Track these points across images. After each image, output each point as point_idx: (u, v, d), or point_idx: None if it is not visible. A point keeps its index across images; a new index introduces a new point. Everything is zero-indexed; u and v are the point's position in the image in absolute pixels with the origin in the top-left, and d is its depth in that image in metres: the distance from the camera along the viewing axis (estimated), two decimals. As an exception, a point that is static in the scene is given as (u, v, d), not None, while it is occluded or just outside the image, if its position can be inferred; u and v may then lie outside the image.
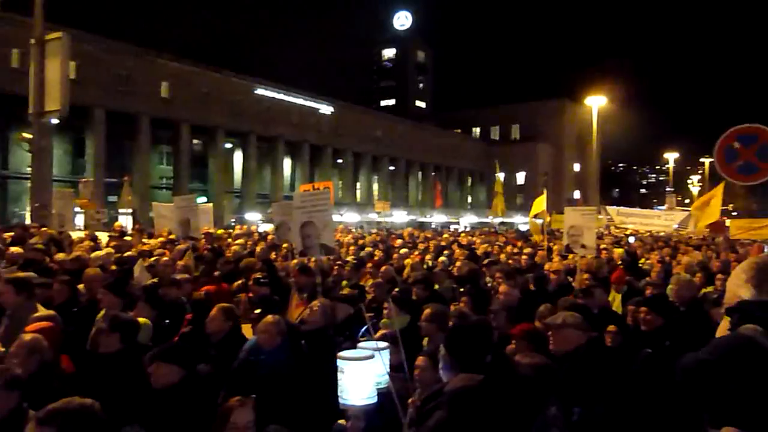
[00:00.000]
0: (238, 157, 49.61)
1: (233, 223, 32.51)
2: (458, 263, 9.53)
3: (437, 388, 3.05)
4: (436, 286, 7.65)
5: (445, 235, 21.04)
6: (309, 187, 15.67)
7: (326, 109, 53.52)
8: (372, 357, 2.80)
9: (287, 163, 52.52)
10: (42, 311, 5.01)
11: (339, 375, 2.80)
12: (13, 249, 8.54)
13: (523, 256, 11.11)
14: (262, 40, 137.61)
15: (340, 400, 2.81)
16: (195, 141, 45.14)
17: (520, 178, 74.04)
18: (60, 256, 8.55)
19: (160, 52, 41.57)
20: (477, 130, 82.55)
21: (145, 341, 4.82)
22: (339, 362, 2.80)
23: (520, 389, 2.57)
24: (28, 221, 18.73)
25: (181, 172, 42.35)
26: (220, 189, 44.28)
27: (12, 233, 11.57)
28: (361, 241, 15.01)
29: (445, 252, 12.16)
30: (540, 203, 14.65)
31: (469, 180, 73.44)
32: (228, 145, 47.62)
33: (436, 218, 57.44)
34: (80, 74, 33.14)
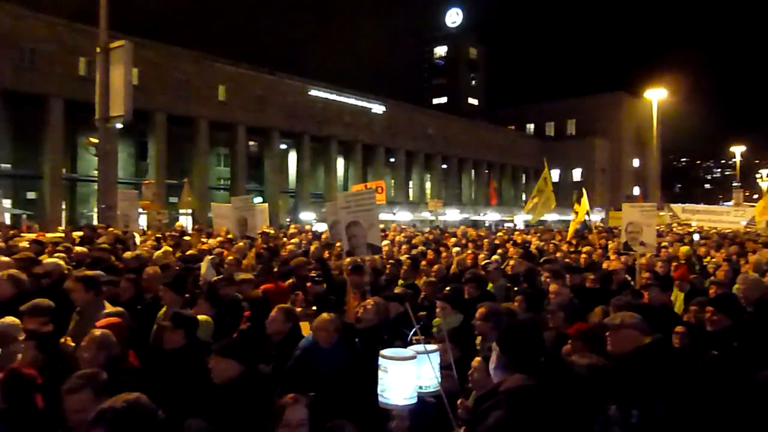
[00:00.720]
0: (292, 157, 50.47)
1: (288, 223, 33.09)
2: (512, 262, 9.40)
3: (491, 388, 3.02)
4: (490, 286, 7.58)
5: (499, 234, 20.78)
6: (362, 186, 15.82)
7: (378, 108, 53.74)
8: (414, 357, 2.78)
9: (340, 163, 53.04)
10: (109, 308, 5.24)
11: (381, 374, 2.78)
12: (79, 249, 8.98)
13: (582, 255, 10.84)
14: (315, 42, 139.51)
15: (381, 399, 2.79)
16: (251, 143, 46.21)
17: (577, 174, 72.27)
18: (126, 255, 8.93)
19: (217, 57, 42.75)
20: (531, 127, 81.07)
21: (206, 338, 4.97)
22: (381, 361, 2.79)
23: (576, 390, 2.52)
24: (95, 222, 19.65)
25: (238, 173, 43.44)
26: (275, 189, 45.15)
27: (81, 233, 12.18)
28: (414, 240, 15.01)
29: (499, 251, 12.02)
30: (584, 205, 14.30)
31: (523, 177, 72.21)
32: (283, 146, 48.50)
33: (490, 216, 56.77)
34: (142, 80, 34.49)
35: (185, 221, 29.50)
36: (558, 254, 11.85)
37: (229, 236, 12.19)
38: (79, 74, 32.82)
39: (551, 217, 34.09)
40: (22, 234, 12.34)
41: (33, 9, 32.04)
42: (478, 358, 3.53)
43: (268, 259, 9.41)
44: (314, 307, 6.02)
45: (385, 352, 2.84)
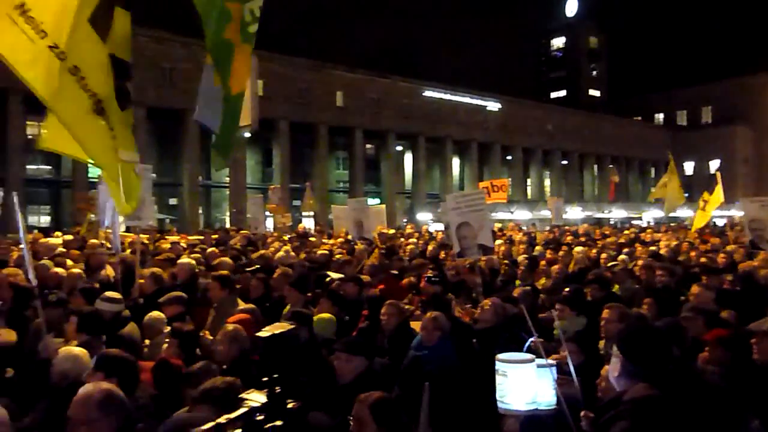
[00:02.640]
0: (408, 158, 51.02)
1: (405, 223, 33.50)
2: (640, 262, 8.86)
3: (614, 396, 2.87)
4: (616, 287, 7.21)
5: (626, 232, 19.63)
6: (488, 184, 15.66)
7: (493, 105, 52.86)
8: (532, 361, 2.71)
9: (456, 163, 52.80)
10: (242, 305, 5.64)
11: (500, 379, 2.72)
12: (211, 249, 9.70)
13: (721, 255, 9.92)
14: (428, 43, 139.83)
15: (500, 404, 2.73)
16: (368, 145, 47.35)
17: (714, 166, 66.37)
18: (254, 255, 9.52)
19: (335, 65, 44.29)
20: (660, 116, 75.61)
21: (330, 335, 5.18)
22: (499, 365, 2.73)
23: (710, 401, 2.33)
24: (227, 224, 21.15)
25: (356, 175, 44.71)
26: (391, 190, 45.90)
27: (216, 235, 13.18)
28: (539, 239, 14.60)
29: (625, 250, 11.36)
30: (718, 196, 13.05)
31: (652, 171, 67.58)
32: (399, 148, 49.18)
33: (615, 214, 53.74)
34: (267, 90, 36.53)
35: (308, 223, 30.84)
36: (692, 254, 10.98)
37: (349, 237, 12.58)
38: (211, 88, 35.41)
39: (685, 213, 31.59)
40: (166, 237, 13.57)
41: (172, 31, 35.07)
42: (607, 366, 3.35)
43: (386, 259, 9.60)
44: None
45: (502, 356, 2.78)
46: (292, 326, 1.90)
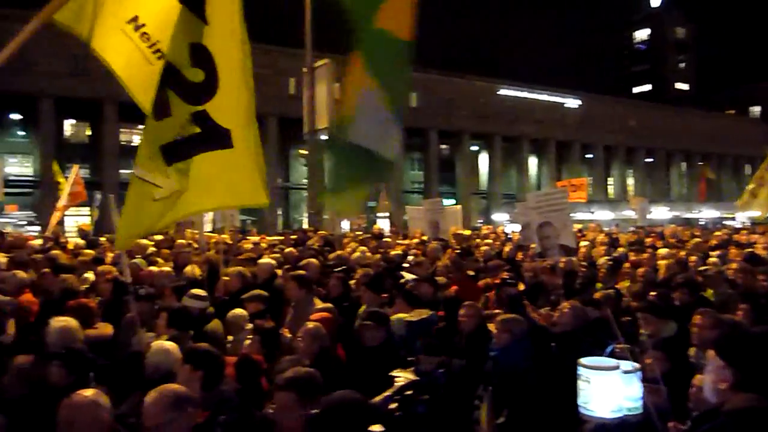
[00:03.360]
0: (483, 158, 50.40)
1: (480, 224, 33.11)
2: (733, 265, 8.31)
3: (712, 407, 2.71)
4: (709, 292, 6.81)
5: (717, 233, 18.49)
6: (566, 183, 15.26)
7: (572, 102, 51.27)
8: (617, 367, 2.61)
9: (533, 162, 51.64)
10: (319, 304, 5.76)
11: (582, 384, 2.65)
12: (289, 249, 9.96)
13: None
14: (504, 40, 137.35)
15: (583, 411, 2.66)
16: (442, 146, 47.15)
17: (819, 162, 61.34)
18: (330, 256, 9.70)
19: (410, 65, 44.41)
20: (756, 109, 70.77)
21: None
22: (582, 371, 2.65)
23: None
24: (305, 225, 21.69)
25: (430, 176, 44.65)
26: (466, 191, 45.50)
27: (295, 236, 13.54)
28: (622, 240, 14.04)
29: (714, 252, 10.70)
30: None
31: (747, 168, 63.29)
32: (474, 148, 48.68)
33: (706, 214, 50.76)
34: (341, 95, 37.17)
35: (383, 224, 31.10)
36: (794, 256, 10.18)
37: (423, 238, 12.57)
38: (289, 93, 36.47)
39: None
40: (247, 237, 14.07)
41: (253, 40, 36.39)
42: (699, 375, 3.17)
43: (461, 260, 9.52)
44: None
45: (586, 361, 2.70)
46: (432, 313, 2.01)
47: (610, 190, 55.82)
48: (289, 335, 5.05)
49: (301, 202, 41.96)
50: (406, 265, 8.93)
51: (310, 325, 4.44)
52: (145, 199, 3.70)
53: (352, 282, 7.05)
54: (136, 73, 3.50)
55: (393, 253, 10.34)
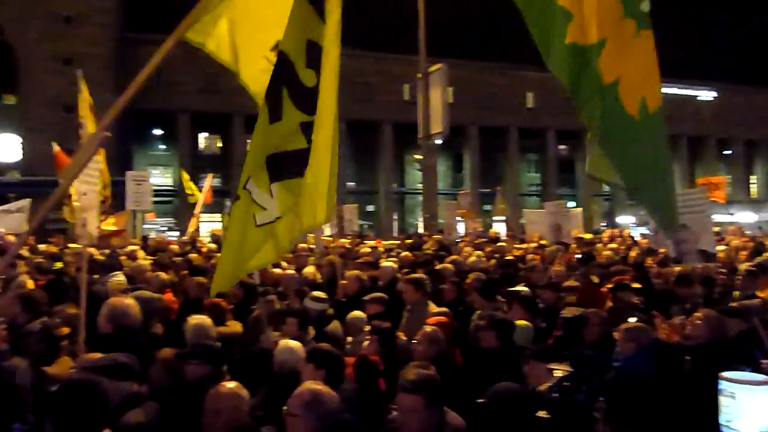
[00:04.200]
0: (605, 158, 47.90)
1: (603, 228, 31.49)
2: None
3: None
4: None
5: None
6: (705, 181, 14.12)
7: (707, 94, 47.35)
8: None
9: (662, 160, 48.26)
10: (433, 308, 5.78)
11: (725, 400, 2.43)
12: (405, 254, 10.06)
13: None
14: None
15: (725, 429, 2.43)
16: (561, 146, 45.46)
17: None
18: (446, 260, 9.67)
19: (524, 66, 43.33)
20: None
21: (525, 343, 5.07)
22: (726, 385, 2.43)
23: None
24: (420, 230, 21.85)
25: (548, 178, 43.22)
26: (588, 193, 43.50)
27: (410, 240, 13.68)
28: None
29: None
30: None
31: None
32: (595, 148, 46.43)
33: None
34: (457, 97, 37.06)
35: (499, 228, 30.55)
36: None
37: (542, 242, 12.19)
38: (403, 99, 36.99)
39: None
40: (364, 241, 14.43)
41: (365, 48, 37.28)
42: None
43: (584, 265, 9.12)
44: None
45: (730, 375, 2.49)
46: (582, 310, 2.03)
47: (753, 189, 50.79)
48: (404, 338, 5.11)
49: (416, 206, 42.32)
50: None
51: (428, 329, 4.46)
52: (248, 225, 3.16)
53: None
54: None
55: (509, 257, 10.12)
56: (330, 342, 4.50)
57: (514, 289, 6.60)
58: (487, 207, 34.92)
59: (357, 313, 5.52)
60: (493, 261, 9.86)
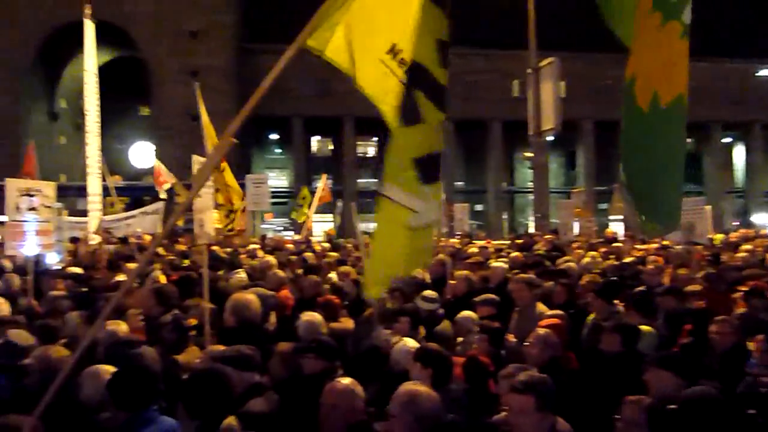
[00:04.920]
0: (739, 151, 44.04)
1: (735, 227, 28.93)
2: None
3: None
4: None
5: None
6: None
7: None
8: None
9: (805, 153, 43.55)
10: (543, 309, 5.61)
11: None
12: (515, 254, 9.82)
13: None
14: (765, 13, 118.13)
15: None
16: (688, 139, 42.28)
17: None
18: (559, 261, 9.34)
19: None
20: None
21: (648, 350, 4.78)
22: None
23: None
24: (531, 229, 21.28)
25: (672, 174, 40.39)
26: (717, 189, 40.09)
27: (521, 240, 13.37)
28: None
29: None
30: None
31: None
32: (726, 140, 42.78)
33: None
34: (569, 91, 35.62)
35: (616, 228, 29.02)
36: None
37: (665, 242, 11.42)
38: (512, 96, 36.16)
39: None
40: (473, 241, 14.29)
41: (471, 45, 36.81)
42: None
43: (714, 268, 8.44)
44: None
45: None
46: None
47: None
48: (514, 340, 5.00)
49: (526, 206, 41.24)
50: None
51: (541, 331, 4.34)
52: (399, 226, 3.05)
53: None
54: (394, 101, 3.13)
55: (628, 259, 9.58)
56: (440, 342, 4.50)
57: (631, 292, 6.27)
58: (603, 206, 33.28)
59: (466, 313, 5.48)
60: (608, 262, 9.40)
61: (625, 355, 4.34)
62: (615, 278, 7.51)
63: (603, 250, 11.41)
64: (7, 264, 7.79)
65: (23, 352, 3.73)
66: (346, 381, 3.25)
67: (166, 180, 14.00)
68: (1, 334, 4.42)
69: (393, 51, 3.09)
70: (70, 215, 11.90)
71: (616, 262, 9.45)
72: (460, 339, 5.40)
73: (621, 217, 26.81)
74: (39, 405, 2.63)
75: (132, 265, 7.84)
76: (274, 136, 44.12)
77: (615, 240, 14.19)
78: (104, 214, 11.90)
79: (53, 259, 8.31)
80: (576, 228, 15.18)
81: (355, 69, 3.13)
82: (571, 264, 7.63)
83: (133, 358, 3.41)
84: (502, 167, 38.54)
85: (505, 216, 40.01)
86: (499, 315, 5.61)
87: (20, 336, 3.82)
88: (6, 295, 5.82)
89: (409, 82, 2.98)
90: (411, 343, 4.35)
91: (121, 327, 4.31)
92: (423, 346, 4.15)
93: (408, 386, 3.02)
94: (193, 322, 4.64)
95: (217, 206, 11.01)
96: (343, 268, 8.02)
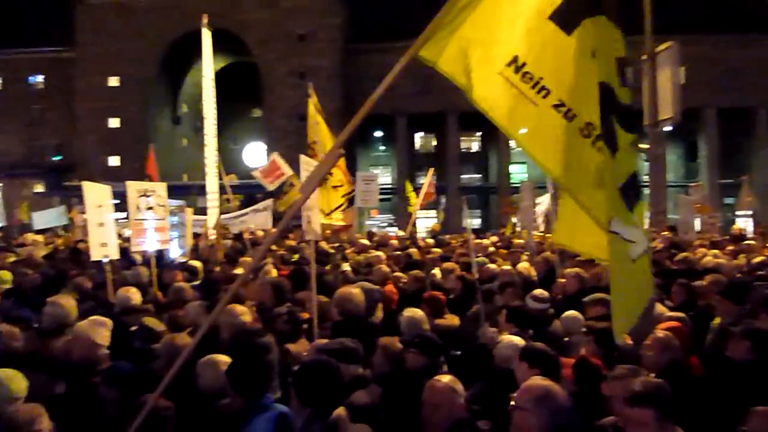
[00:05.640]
0: None
1: None
2: None
3: None
4: None
5: None
6: None
7: None
8: None
9: None
10: (663, 311, 5.26)
11: None
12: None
13: None
14: None
15: None
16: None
17: None
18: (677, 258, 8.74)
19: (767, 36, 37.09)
20: None
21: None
22: None
23: None
24: (646, 226, 20.05)
25: (811, 164, 36.48)
26: None
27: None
28: None
29: None
30: None
31: None
32: None
33: None
34: (689, 77, 33.17)
35: (744, 224, 26.69)
36: None
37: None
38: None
39: None
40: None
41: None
42: None
43: None
44: None
45: None
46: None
47: None
48: (629, 342, 4.73)
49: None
50: None
51: (660, 334, 4.09)
52: (625, 262, 2.89)
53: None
54: (521, 120, 2.97)
55: (757, 259, 8.76)
56: (549, 342, 4.34)
57: (763, 293, 5.73)
58: (729, 200, 30.69)
59: (572, 313, 5.27)
60: (736, 262, 8.66)
61: (756, 364, 3.98)
62: (743, 278, 6.93)
63: (730, 248, 10.53)
64: (138, 258, 8.50)
65: (157, 337, 4.05)
66: (445, 379, 3.23)
67: (284, 173, 14.64)
68: (137, 321, 4.86)
69: (515, 63, 2.93)
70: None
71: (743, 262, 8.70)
72: (566, 339, 5.21)
73: (750, 212, 24.63)
74: (159, 386, 2.83)
75: (247, 259, 8.28)
76: (378, 134, 44.84)
77: (743, 237, 13.05)
78: (221, 212, 12.64)
79: (176, 253, 8.95)
80: (697, 225, 14.11)
81: (471, 82, 3.04)
82: (720, 260, 7.08)
83: (255, 346, 3.58)
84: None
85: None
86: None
87: (153, 323, 4.15)
88: (137, 285, 6.35)
89: (603, 108, 2.79)
90: (516, 339, 4.25)
91: (245, 316, 4.55)
92: (529, 345, 4.04)
93: (538, 381, 2.94)
94: (305, 315, 4.81)
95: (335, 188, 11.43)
96: (447, 265, 7.99)
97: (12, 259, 9.33)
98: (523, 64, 2.91)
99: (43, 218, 17.22)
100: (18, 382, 3.18)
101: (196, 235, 11.33)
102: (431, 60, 2.96)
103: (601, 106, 2.78)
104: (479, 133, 43.95)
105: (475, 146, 45.73)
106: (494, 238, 13.41)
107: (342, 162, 11.49)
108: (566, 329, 5.23)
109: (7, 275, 7.11)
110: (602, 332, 4.58)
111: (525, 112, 2.90)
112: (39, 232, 16.42)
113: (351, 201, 12.82)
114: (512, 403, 2.80)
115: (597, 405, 3.69)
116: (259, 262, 6.96)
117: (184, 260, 8.63)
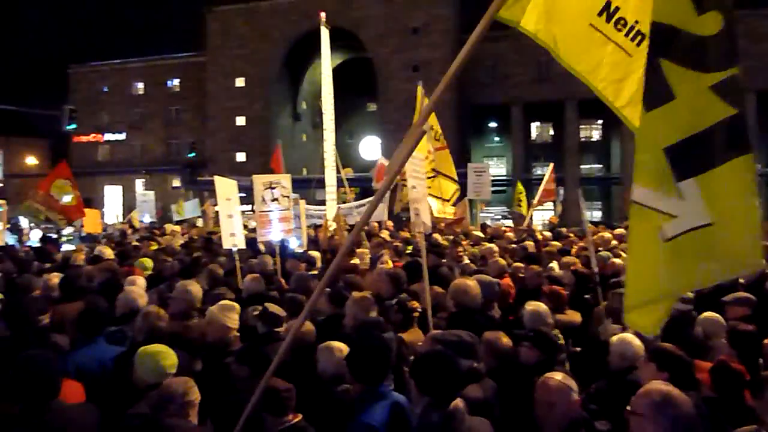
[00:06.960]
0: None
1: None
2: None
3: None
4: None
5: None
6: None
7: None
8: None
9: None
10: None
11: None
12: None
13: None
14: None
15: None
16: None
17: None
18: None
19: None
20: None
21: None
22: None
23: None
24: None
25: None
26: None
27: None
28: None
29: None
30: None
31: None
32: None
33: None
34: None
35: None
36: None
37: None
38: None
39: None
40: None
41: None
42: None
43: None
44: None
45: None
46: None
47: None
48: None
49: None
50: None
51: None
52: (650, 241, 2.35)
53: None
54: (612, 73, 2.72)
55: None
56: (687, 347, 4.00)
57: None
58: None
59: (710, 315, 4.85)
60: None
61: None
62: None
63: None
64: (262, 247, 8.98)
65: (280, 321, 4.29)
66: (557, 377, 3.10)
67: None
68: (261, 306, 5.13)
69: (606, 11, 2.64)
70: (307, 204, 13.22)
71: None
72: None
73: None
74: (271, 365, 2.96)
75: (362, 250, 8.47)
76: (492, 125, 44.03)
77: None
78: (339, 203, 13.02)
79: (294, 244, 9.35)
80: None
81: (557, 41, 2.83)
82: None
83: (377, 337, 3.66)
84: (755, 145, 33.06)
85: (756, 202, 34.35)
86: (755, 316, 4.87)
87: (275, 309, 4.37)
88: (262, 273, 6.70)
89: (651, 51, 2.30)
90: (629, 336, 3.98)
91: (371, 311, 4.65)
92: (659, 346, 3.76)
93: (658, 385, 2.75)
94: (416, 304, 4.84)
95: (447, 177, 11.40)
96: (566, 259, 7.67)
97: (155, 246, 10.26)
98: (616, 9, 2.65)
99: (184, 210, 19.14)
100: (171, 357, 3.44)
101: (316, 227, 11.76)
102: (513, 20, 2.80)
103: (650, 48, 2.32)
104: (600, 121, 41.74)
105: (595, 135, 43.51)
106: (619, 231, 12.68)
107: (447, 155, 11.40)
108: (705, 332, 4.81)
109: (149, 262, 7.80)
110: (742, 335, 4.20)
111: (616, 63, 2.67)
112: (177, 222, 17.93)
113: (463, 194, 12.69)
114: (628, 407, 2.63)
115: (738, 414, 3.38)
116: (374, 251, 7.17)
117: (301, 251, 8.99)
